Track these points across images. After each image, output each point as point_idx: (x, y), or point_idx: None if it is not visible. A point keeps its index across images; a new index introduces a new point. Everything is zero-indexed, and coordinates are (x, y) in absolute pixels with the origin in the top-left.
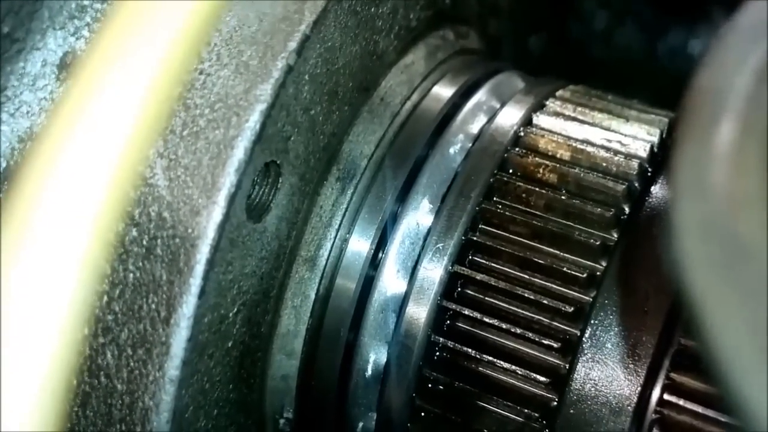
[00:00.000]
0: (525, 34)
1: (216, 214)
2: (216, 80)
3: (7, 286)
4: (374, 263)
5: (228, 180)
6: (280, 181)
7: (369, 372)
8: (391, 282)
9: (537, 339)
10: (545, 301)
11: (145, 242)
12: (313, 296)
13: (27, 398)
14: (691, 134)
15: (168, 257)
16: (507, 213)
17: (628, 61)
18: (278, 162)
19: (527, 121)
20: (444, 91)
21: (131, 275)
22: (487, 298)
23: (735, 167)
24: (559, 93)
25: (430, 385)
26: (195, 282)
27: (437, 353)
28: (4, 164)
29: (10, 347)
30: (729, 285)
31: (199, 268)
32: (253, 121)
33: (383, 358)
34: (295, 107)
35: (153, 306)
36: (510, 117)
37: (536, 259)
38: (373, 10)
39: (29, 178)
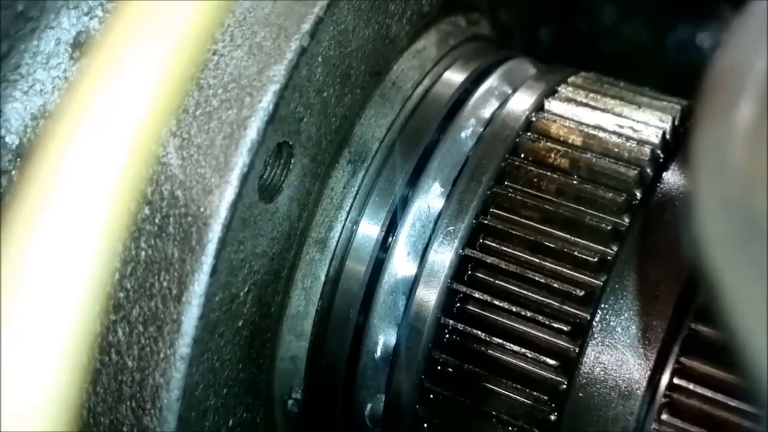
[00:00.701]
0: (535, 24)
1: (228, 193)
2: (229, 61)
3: (21, 264)
4: (384, 246)
5: (241, 160)
6: (292, 162)
7: (378, 354)
8: (401, 265)
9: (547, 322)
10: (556, 285)
11: (157, 220)
12: (323, 278)
13: (41, 380)
14: (712, 114)
15: (180, 235)
16: (518, 197)
17: (636, 55)
18: (290, 143)
19: (539, 107)
20: (455, 76)
21: (143, 253)
22: (497, 282)
23: (755, 146)
24: (571, 79)
25: (439, 368)
26: (207, 260)
27: (447, 336)
28: (17, 141)
29: (24, 325)
30: (747, 262)
31: (211, 247)
32: (266, 102)
33: (392, 341)
34: (308, 89)
35: (165, 284)
36: (522, 102)
37: (547, 243)
38: None
39: (44, 156)
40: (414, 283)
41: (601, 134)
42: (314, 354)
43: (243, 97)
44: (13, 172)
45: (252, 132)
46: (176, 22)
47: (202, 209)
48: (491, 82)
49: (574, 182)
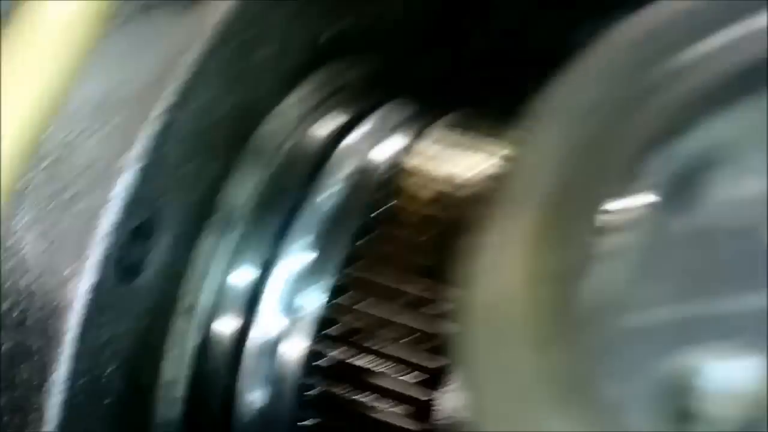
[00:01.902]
0: (418, 56)
1: (83, 283)
2: (85, 147)
3: None
4: (251, 308)
5: (96, 249)
6: (153, 239)
7: (247, 418)
8: (268, 324)
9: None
10: (414, 339)
11: (15, 315)
12: (192, 345)
13: None
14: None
15: (39, 327)
16: (383, 249)
17: (542, 60)
18: (151, 223)
19: (407, 151)
20: (322, 129)
21: (4, 346)
22: (358, 340)
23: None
24: (441, 121)
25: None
26: (65, 350)
27: (310, 395)
28: None
29: None
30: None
31: (70, 336)
32: (123, 185)
33: (260, 402)
34: (168, 167)
35: (25, 375)
36: (387, 151)
37: (407, 297)
38: (249, 58)
39: None
40: (278, 342)
41: (466, 185)
42: (189, 420)
43: (97, 185)
44: None
45: (107, 220)
46: None
47: (57, 301)
48: (360, 131)
49: (437, 233)
